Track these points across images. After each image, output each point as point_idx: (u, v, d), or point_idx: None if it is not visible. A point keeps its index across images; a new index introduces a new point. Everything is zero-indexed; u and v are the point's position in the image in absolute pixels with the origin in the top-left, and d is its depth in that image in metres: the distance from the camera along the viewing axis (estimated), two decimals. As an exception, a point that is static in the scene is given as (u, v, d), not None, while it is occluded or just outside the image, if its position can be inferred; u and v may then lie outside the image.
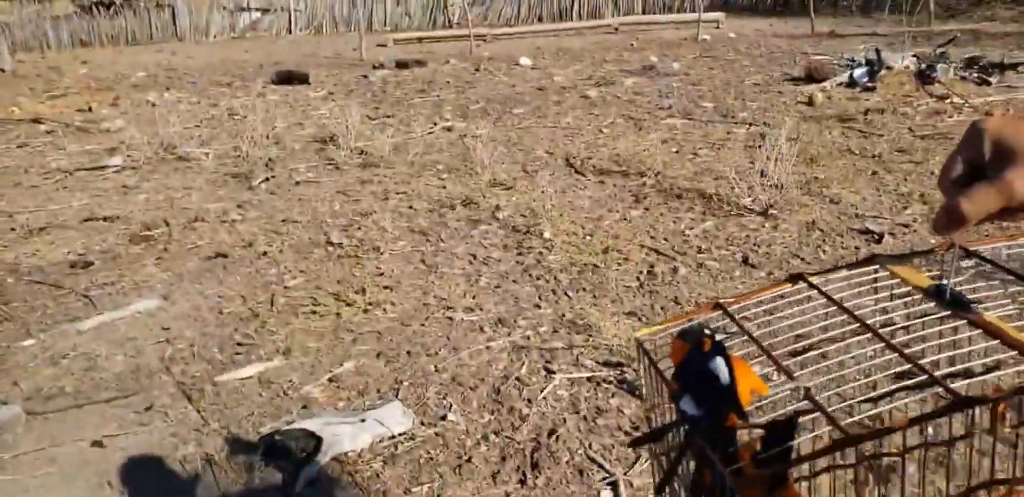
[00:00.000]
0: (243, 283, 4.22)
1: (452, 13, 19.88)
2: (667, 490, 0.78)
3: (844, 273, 0.83)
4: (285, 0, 19.68)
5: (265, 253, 4.62)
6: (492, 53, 13.89)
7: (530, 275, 4.09)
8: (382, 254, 4.50)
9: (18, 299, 4.18)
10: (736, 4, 19.39)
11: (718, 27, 16.03)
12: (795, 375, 0.69)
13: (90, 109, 9.97)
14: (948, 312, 0.73)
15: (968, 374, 0.69)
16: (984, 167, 0.61)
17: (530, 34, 16.46)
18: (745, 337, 0.77)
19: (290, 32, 20.27)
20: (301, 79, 11.30)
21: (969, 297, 0.74)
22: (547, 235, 4.61)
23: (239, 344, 3.53)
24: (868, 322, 0.75)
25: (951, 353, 0.71)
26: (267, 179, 6.25)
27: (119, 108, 10.05)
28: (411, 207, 5.37)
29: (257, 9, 19.96)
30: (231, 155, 7.14)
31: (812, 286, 0.82)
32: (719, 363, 0.66)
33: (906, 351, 0.70)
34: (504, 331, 3.50)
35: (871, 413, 0.73)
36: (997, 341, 0.67)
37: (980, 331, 0.69)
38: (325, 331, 3.60)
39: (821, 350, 0.76)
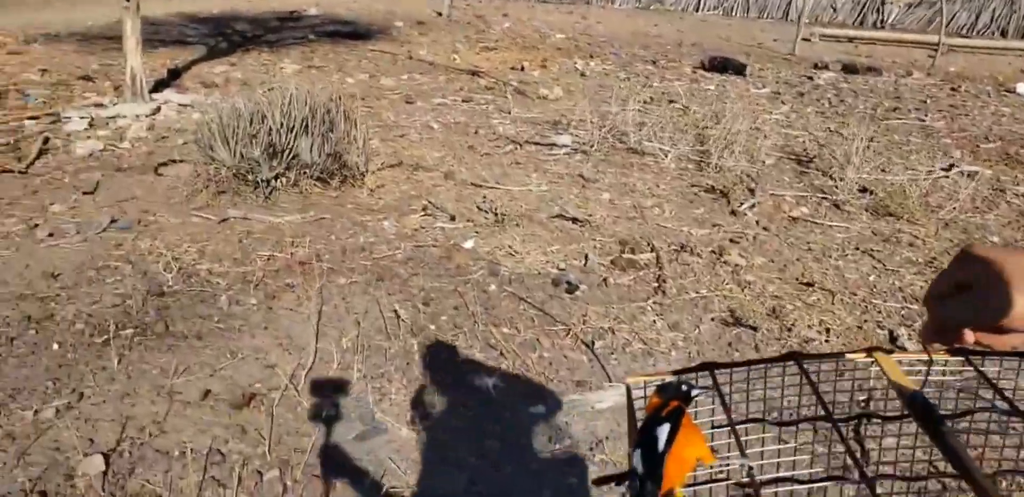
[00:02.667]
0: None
1: (888, 13, 17.30)
2: None
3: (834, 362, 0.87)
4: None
5: (809, 340, 3.38)
6: (962, 69, 11.48)
7: None
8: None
9: (504, 319, 3.37)
10: None
11: None
12: (746, 452, 0.75)
13: (522, 68, 9.50)
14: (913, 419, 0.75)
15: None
16: (970, 287, 0.66)
17: (1000, 51, 13.58)
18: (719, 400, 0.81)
19: (697, 10, 19.03)
20: (737, 69, 9.99)
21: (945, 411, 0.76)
22: None
23: None
24: (836, 412, 0.79)
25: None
26: (752, 205, 5.02)
27: (550, 72, 9.47)
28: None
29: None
30: (691, 158, 6.03)
31: (800, 368, 0.84)
32: (663, 431, 0.71)
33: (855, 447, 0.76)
34: None
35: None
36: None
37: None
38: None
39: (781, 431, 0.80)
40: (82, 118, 6.44)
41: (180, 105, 6.95)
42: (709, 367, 0.85)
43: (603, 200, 5.05)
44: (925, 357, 0.82)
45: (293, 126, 4.68)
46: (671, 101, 8.04)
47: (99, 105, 6.87)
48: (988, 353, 0.80)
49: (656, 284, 3.83)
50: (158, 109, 6.76)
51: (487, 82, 8.61)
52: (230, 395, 2.76)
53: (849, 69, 10.60)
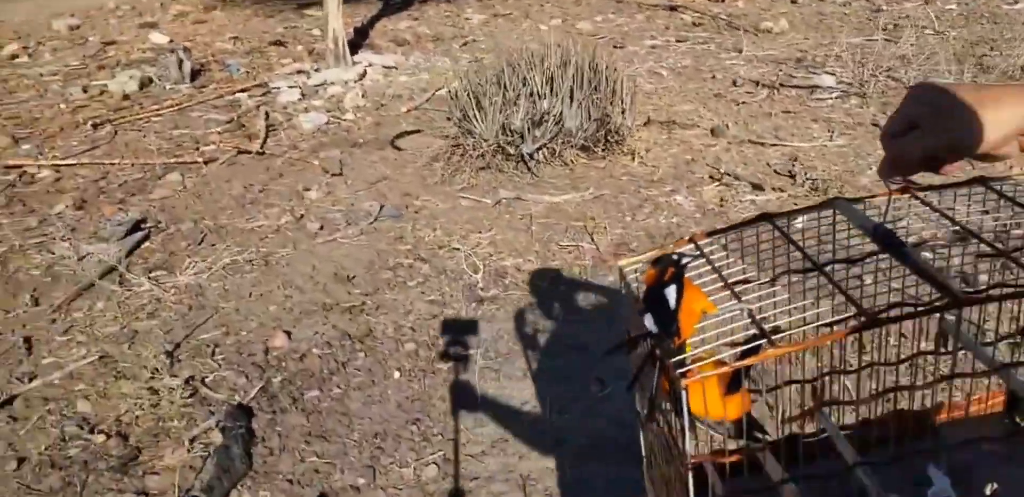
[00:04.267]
0: None
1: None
2: (635, 388, 0.92)
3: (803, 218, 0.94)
4: None
5: None
6: None
7: None
8: None
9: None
10: None
11: None
12: (743, 299, 0.82)
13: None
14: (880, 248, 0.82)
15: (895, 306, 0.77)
16: (918, 122, 0.72)
17: None
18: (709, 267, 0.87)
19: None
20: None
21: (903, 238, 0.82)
22: None
23: None
24: (818, 259, 0.86)
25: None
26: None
27: (755, 2, 8.40)
28: None
29: None
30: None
31: (775, 227, 0.92)
32: (671, 290, 0.80)
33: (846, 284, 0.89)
34: None
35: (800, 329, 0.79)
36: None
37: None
38: None
39: (775, 280, 0.88)
40: (291, 88, 6.09)
41: (384, 67, 6.48)
42: (693, 240, 0.92)
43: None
44: (878, 200, 0.88)
45: (556, 88, 4.06)
46: (922, 27, 6.89)
47: (302, 72, 6.50)
48: (928, 188, 0.89)
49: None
50: (364, 73, 6.31)
51: (692, 17, 7.70)
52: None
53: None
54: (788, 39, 6.82)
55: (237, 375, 2.58)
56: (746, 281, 0.87)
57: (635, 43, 6.99)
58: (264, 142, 4.88)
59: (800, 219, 0.94)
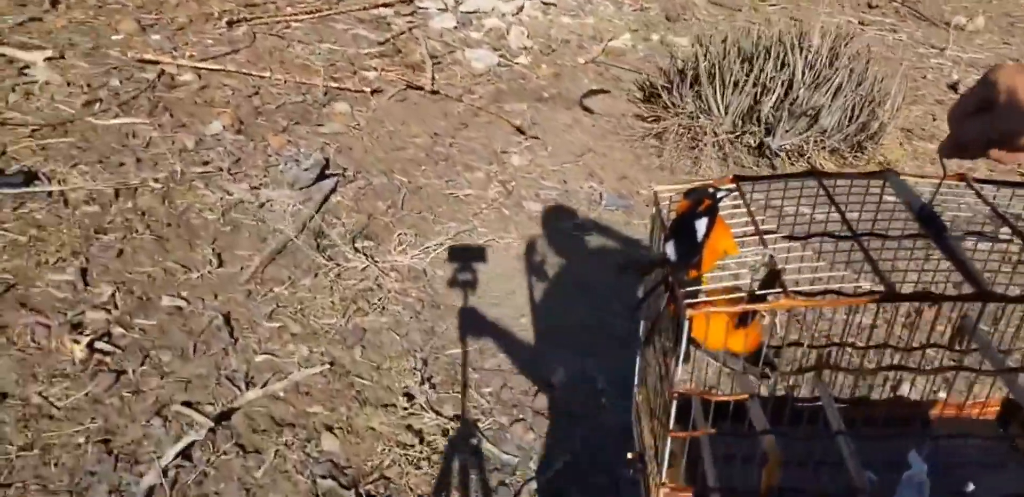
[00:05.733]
0: None
1: None
2: (642, 307, 0.90)
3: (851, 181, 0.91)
4: None
5: None
6: None
7: None
8: None
9: None
10: None
11: None
12: (769, 246, 0.80)
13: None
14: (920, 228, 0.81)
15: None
16: (994, 106, 0.66)
17: None
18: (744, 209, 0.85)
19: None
20: None
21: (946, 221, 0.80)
22: None
23: None
24: (856, 227, 0.84)
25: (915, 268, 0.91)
26: None
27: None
28: None
29: None
30: None
31: (821, 185, 0.89)
32: (701, 223, 0.78)
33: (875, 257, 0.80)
34: None
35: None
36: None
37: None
38: None
39: (807, 238, 0.86)
40: (441, 11, 5.32)
41: (544, 3, 5.69)
42: (736, 179, 0.88)
43: None
44: (931, 181, 0.84)
45: (820, 78, 3.39)
46: None
47: (445, -8, 5.70)
48: (990, 182, 0.87)
49: None
50: (522, 7, 5.53)
51: (869, -2, 6.90)
52: None
53: None
54: (986, 40, 6.08)
55: (510, 419, 2.00)
56: (773, 231, 0.85)
57: (812, 17, 6.20)
58: (433, 78, 4.17)
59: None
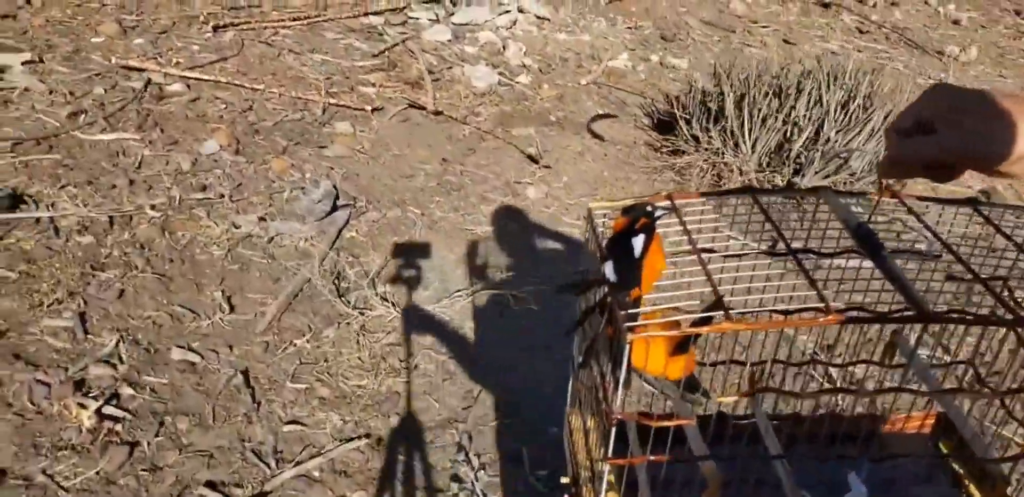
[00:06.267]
0: None
1: None
2: (578, 331, 0.90)
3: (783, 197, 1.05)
4: None
5: None
6: None
7: None
8: None
9: None
10: None
11: None
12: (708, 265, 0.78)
13: None
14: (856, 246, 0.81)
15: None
16: (932, 123, 0.65)
17: None
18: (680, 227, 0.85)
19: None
20: None
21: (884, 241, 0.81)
22: None
23: None
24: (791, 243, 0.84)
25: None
26: None
27: (913, 14, 7.67)
28: None
29: None
30: None
31: (755, 201, 0.88)
32: (639, 240, 0.77)
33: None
34: None
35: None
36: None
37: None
38: None
39: (744, 252, 0.86)
40: (432, 21, 5.13)
41: (537, 17, 5.55)
42: (670, 196, 0.88)
43: None
44: (864, 199, 0.88)
45: (853, 117, 3.32)
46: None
47: (435, 1, 5.51)
48: (921, 198, 0.90)
49: None
50: (515, 21, 5.38)
51: (852, 20, 6.95)
52: None
53: None
54: (980, 72, 6.15)
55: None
56: (711, 250, 0.86)
57: (806, 41, 6.21)
58: (435, 97, 3.99)
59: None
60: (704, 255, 0.81)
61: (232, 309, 2.27)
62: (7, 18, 3.75)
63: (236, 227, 2.58)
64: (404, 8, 5.16)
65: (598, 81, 4.67)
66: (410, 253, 2.66)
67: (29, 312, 2.09)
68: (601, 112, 4.24)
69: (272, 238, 2.59)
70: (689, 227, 0.85)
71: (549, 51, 5.02)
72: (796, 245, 0.85)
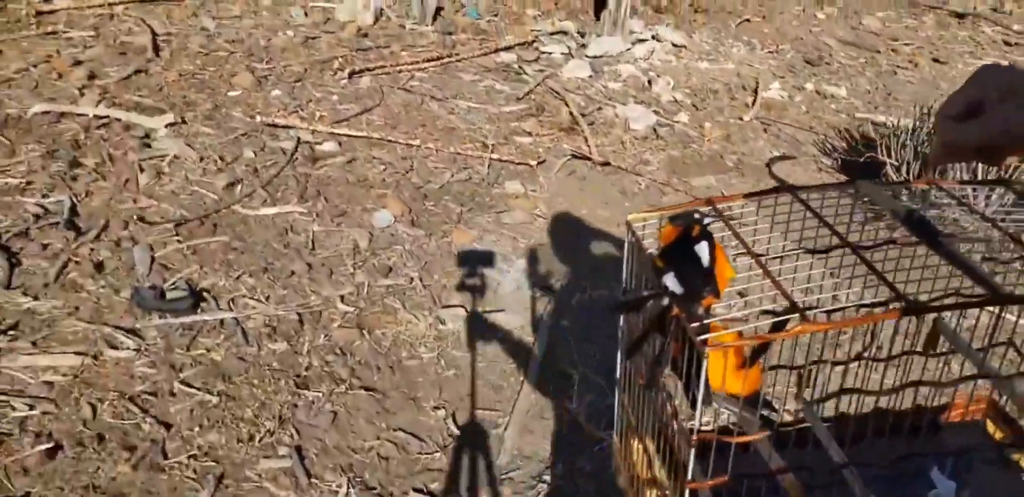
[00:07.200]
0: None
1: None
2: (636, 354, 0.84)
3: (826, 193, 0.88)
4: None
5: None
6: None
7: None
8: None
9: None
10: None
11: None
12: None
13: None
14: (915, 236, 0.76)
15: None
16: (984, 106, 0.61)
17: None
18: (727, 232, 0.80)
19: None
20: None
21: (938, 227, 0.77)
22: None
23: None
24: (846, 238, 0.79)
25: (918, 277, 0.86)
26: None
27: None
28: None
29: None
30: None
31: (798, 198, 0.84)
32: (703, 248, 0.72)
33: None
34: None
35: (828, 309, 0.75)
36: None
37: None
38: None
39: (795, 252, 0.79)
40: (565, 55, 4.78)
41: (674, 45, 5.14)
42: (711, 201, 0.84)
43: None
44: (902, 188, 0.87)
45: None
46: None
47: (563, 32, 5.16)
48: (966, 183, 0.91)
49: None
50: (652, 50, 4.98)
51: (994, 32, 6.35)
52: None
53: None
54: None
55: None
56: (762, 254, 0.80)
57: (957, 59, 5.67)
58: (596, 145, 3.61)
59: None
60: (762, 256, 0.77)
61: (461, 431, 1.91)
62: (140, 73, 3.52)
63: (442, 323, 2.23)
64: (534, 42, 4.82)
65: (758, 116, 4.24)
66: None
67: (239, 447, 1.76)
68: (777, 153, 3.81)
69: (482, 334, 2.23)
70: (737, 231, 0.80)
71: (695, 83, 4.61)
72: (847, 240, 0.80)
